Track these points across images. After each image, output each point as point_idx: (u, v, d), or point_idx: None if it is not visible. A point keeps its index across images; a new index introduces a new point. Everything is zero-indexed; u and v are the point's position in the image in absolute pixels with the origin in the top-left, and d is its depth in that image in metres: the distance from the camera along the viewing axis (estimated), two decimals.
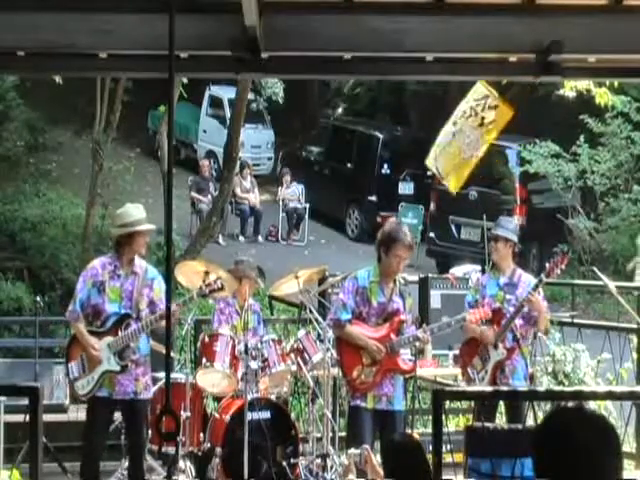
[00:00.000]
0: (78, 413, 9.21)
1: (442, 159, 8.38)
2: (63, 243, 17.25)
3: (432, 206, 20.29)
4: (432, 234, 20.24)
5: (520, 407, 7.99)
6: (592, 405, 5.95)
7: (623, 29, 5.52)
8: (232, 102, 19.31)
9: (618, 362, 9.93)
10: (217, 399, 9.02)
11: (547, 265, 8.29)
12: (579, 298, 17.29)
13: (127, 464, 8.21)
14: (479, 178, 15.67)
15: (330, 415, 8.62)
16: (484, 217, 13.99)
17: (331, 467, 8.41)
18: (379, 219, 20.22)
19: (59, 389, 9.68)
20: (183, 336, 9.19)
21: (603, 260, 18.78)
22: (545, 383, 9.67)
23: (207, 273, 8.24)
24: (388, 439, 6.20)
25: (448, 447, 5.94)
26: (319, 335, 8.89)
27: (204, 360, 8.64)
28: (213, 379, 8.70)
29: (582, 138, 19.14)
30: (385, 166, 22.41)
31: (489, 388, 7.85)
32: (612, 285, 9.34)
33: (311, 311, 9.03)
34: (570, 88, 13.03)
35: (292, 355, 8.78)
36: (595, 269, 10.64)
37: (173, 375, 8.37)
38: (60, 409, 9.58)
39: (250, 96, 18.60)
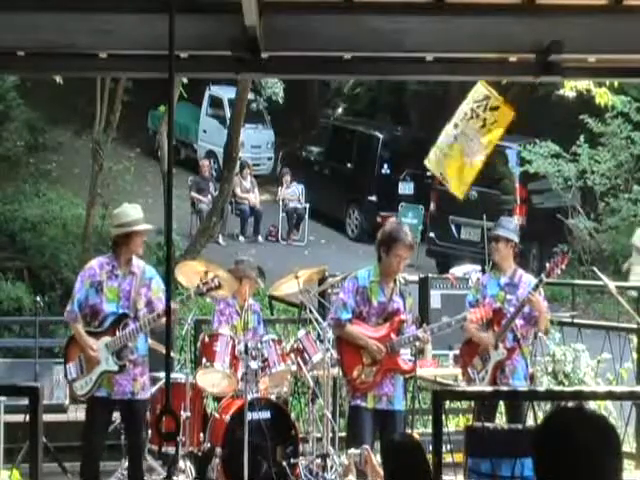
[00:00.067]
0: (78, 413, 9.21)
1: (445, 163, 8.31)
2: (63, 243, 17.24)
3: (432, 206, 20.28)
4: (432, 234, 20.23)
5: (520, 407, 7.99)
6: (592, 405, 5.96)
7: (623, 29, 5.52)
8: (232, 102, 19.32)
9: (618, 362, 9.93)
10: (217, 399, 9.02)
11: (547, 265, 8.30)
12: (579, 298, 17.29)
13: (127, 464, 8.21)
14: (479, 178, 15.62)
15: (330, 415, 8.62)
16: (484, 217, 14.00)
17: (331, 467, 8.41)
18: (379, 219, 20.23)
19: (59, 389, 9.68)
20: (183, 336, 9.19)
21: (603, 260, 18.77)
22: (545, 383, 9.67)
23: (207, 273, 8.25)
24: (388, 439, 6.20)
25: (448, 447, 5.94)
26: (319, 335, 8.89)
27: (204, 360, 8.64)
28: (213, 379, 8.70)
29: (582, 138, 19.13)
30: (385, 166, 22.40)
31: (489, 388, 7.85)
32: (612, 285, 9.34)
33: (311, 311, 9.03)
34: (570, 88, 13.04)
35: (292, 355, 8.78)
36: (595, 269, 10.64)
37: (173, 375, 8.37)
38: (60, 409, 9.58)
39: (250, 96, 18.61)
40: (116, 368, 7.78)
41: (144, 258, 8.17)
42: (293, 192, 22.28)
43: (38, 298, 10.50)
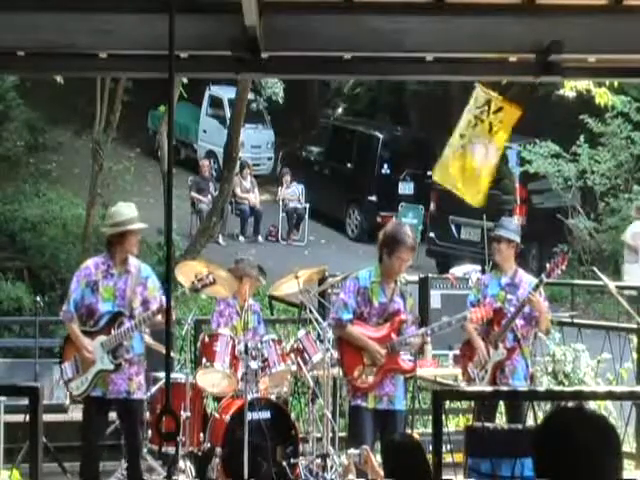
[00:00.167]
0: (78, 413, 9.20)
1: (455, 176, 8.20)
2: (63, 243, 17.24)
3: (432, 206, 20.28)
4: (432, 234, 20.23)
5: (520, 407, 7.99)
6: (592, 405, 5.96)
7: (623, 29, 5.52)
8: (232, 102, 19.33)
9: (618, 362, 9.93)
10: (217, 399, 9.02)
11: (547, 265, 8.30)
12: (579, 298, 17.28)
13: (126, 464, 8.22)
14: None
15: (330, 415, 8.62)
16: (484, 217, 13.98)
17: (331, 467, 8.41)
18: (379, 219, 20.24)
19: (59, 389, 9.66)
20: (183, 336, 9.19)
21: (603, 260, 18.76)
22: (545, 383, 9.67)
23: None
24: (388, 439, 6.20)
25: (448, 447, 5.95)
26: (319, 335, 8.89)
27: (204, 360, 8.63)
28: (213, 379, 8.69)
29: (582, 138, 19.13)
30: (385, 166, 22.39)
31: (489, 388, 7.85)
32: (612, 285, 9.34)
33: (311, 311, 9.03)
34: (570, 88, 13.05)
35: (292, 355, 8.77)
36: (595, 269, 10.64)
37: (173, 375, 8.37)
38: (60, 409, 9.57)
39: (250, 96, 18.62)
40: (112, 367, 7.76)
41: (144, 258, 8.16)
42: (293, 192, 22.28)
43: (38, 298, 10.51)
